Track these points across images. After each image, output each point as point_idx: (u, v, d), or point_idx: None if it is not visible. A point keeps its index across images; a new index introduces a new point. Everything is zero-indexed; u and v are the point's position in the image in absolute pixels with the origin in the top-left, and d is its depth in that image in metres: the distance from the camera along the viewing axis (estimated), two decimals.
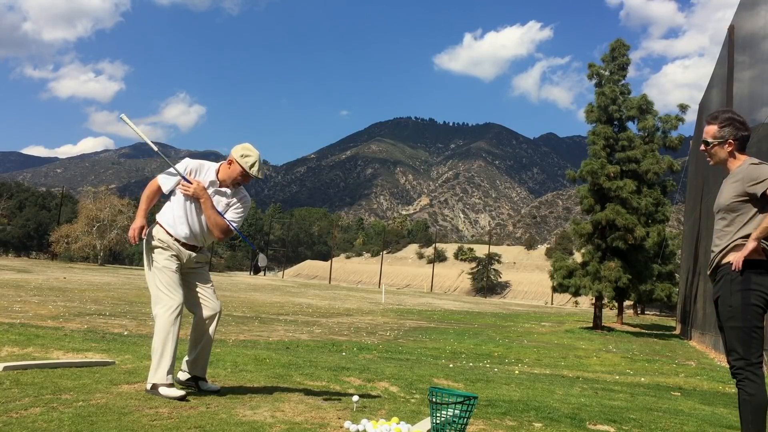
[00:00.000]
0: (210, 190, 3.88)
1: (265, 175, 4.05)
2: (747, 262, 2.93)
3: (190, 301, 3.89)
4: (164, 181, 3.85)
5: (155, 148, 4.04)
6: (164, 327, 3.68)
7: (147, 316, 11.64)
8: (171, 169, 3.86)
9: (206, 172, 3.90)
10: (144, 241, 3.84)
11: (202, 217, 3.87)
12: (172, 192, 3.88)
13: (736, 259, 2.96)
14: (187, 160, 3.96)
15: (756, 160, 3.08)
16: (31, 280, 19.84)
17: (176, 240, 3.84)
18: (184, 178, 3.82)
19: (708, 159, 3.25)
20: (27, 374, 3.93)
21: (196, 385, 3.91)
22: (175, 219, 3.85)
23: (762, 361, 2.98)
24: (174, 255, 3.82)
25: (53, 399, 3.30)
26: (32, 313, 10.11)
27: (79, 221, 44.97)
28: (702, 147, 3.24)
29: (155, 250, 3.80)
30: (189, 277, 3.91)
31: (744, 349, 2.93)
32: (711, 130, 3.16)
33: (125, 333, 8.26)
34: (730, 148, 3.12)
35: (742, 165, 3.09)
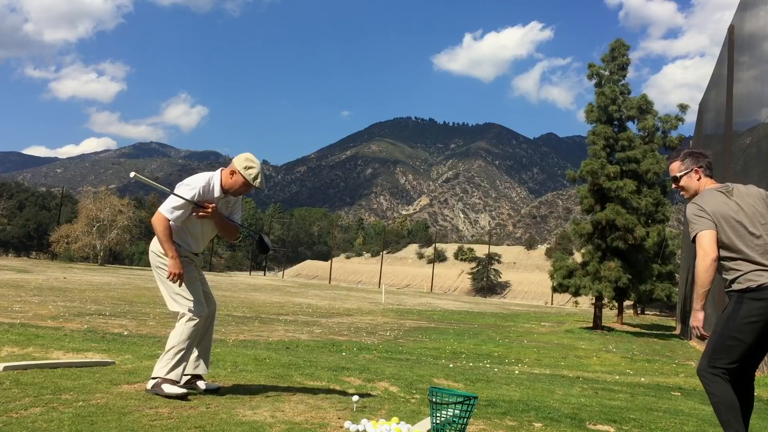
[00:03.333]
0: (220, 204, 3.94)
1: (264, 179, 4.06)
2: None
3: None
4: (172, 215, 3.78)
5: (180, 195, 3.83)
6: (193, 331, 3.78)
7: (147, 316, 11.64)
8: (177, 200, 3.78)
9: (212, 188, 3.89)
10: (154, 253, 3.87)
11: (210, 229, 3.99)
12: None
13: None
14: (193, 182, 3.84)
15: (710, 188, 3.16)
16: (31, 280, 19.84)
17: (191, 252, 3.96)
18: (197, 205, 3.83)
19: (683, 194, 3.34)
20: (27, 374, 3.93)
21: (195, 385, 3.92)
22: (189, 237, 3.92)
23: (726, 371, 2.99)
24: (193, 264, 3.94)
25: (53, 399, 3.30)
26: (32, 313, 10.11)
27: (79, 221, 44.95)
28: (674, 185, 3.35)
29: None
30: None
31: (713, 354, 3.00)
32: (675, 166, 3.30)
33: (125, 333, 8.26)
34: (697, 176, 3.24)
35: (751, 188, 3.17)
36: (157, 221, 3.76)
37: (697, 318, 3.03)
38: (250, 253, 78.19)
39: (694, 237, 3.04)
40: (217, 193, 3.89)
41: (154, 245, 3.87)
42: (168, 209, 3.77)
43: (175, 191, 3.82)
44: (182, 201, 3.77)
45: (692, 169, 3.23)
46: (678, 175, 3.27)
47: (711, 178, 3.25)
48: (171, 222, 3.78)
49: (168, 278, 3.76)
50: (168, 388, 3.60)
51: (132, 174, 3.97)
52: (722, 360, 2.98)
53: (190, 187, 3.81)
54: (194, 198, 3.79)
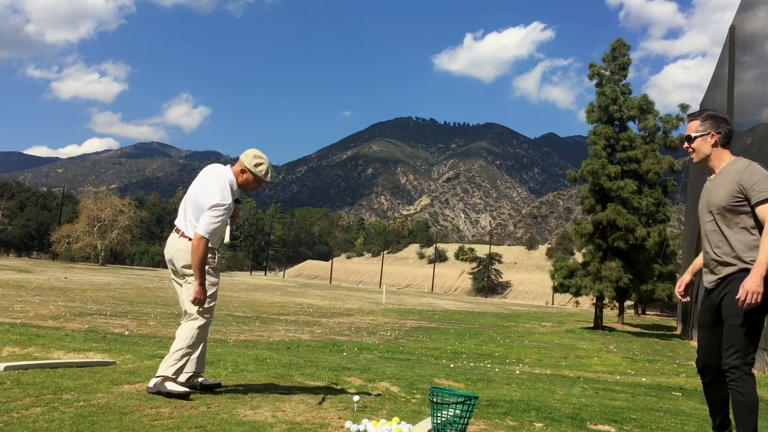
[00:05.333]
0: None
1: (274, 172, 4.10)
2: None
3: None
4: (214, 237, 3.75)
5: (221, 218, 3.80)
6: (201, 334, 3.80)
7: (148, 316, 11.65)
8: (215, 220, 3.74)
9: (234, 191, 3.88)
10: (181, 256, 3.83)
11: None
12: None
13: (750, 293, 2.82)
14: (223, 199, 3.76)
15: (747, 161, 3.05)
16: (32, 280, 19.86)
17: (216, 252, 3.98)
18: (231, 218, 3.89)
19: (692, 155, 3.22)
20: (28, 374, 3.93)
21: (195, 382, 3.93)
22: (219, 240, 3.94)
23: (753, 363, 2.97)
24: (216, 267, 3.93)
25: (54, 399, 3.30)
26: (33, 313, 10.11)
27: (80, 221, 45.02)
28: (685, 144, 3.22)
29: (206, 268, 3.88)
30: None
31: (743, 349, 2.90)
32: (693, 125, 3.17)
33: (126, 333, 8.27)
34: (713, 141, 3.10)
35: (735, 164, 3.05)
36: (200, 247, 3.68)
37: (760, 284, 2.81)
38: (251, 253, 78.24)
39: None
40: (236, 194, 3.91)
41: (185, 258, 3.79)
42: (210, 231, 3.71)
43: (211, 213, 3.73)
44: (221, 223, 3.75)
45: (709, 133, 3.10)
46: (693, 135, 3.14)
47: (727, 148, 3.11)
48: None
49: (192, 301, 3.75)
50: (171, 386, 3.61)
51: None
52: (752, 354, 2.92)
53: (224, 207, 3.75)
54: (230, 213, 3.83)
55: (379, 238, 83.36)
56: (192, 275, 3.78)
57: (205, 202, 3.77)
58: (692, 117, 3.22)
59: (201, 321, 3.79)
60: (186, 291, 3.85)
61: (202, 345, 3.96)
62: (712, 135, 3.10)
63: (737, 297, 2.88)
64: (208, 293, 3.82)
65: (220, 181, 3.84)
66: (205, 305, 3.81)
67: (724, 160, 3.10)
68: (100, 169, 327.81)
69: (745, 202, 2.95)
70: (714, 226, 3.07)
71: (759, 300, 2.82)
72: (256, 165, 3.87)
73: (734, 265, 2.98)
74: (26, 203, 67.69)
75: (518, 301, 53.00)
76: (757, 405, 2.92)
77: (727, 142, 3.11)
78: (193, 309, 3.80)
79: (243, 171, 3.89)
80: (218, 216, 3.73)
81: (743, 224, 2.97)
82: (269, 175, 3.93)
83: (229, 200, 3.78)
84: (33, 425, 2.80)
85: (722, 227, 3.03)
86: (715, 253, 3.05)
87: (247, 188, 3.95)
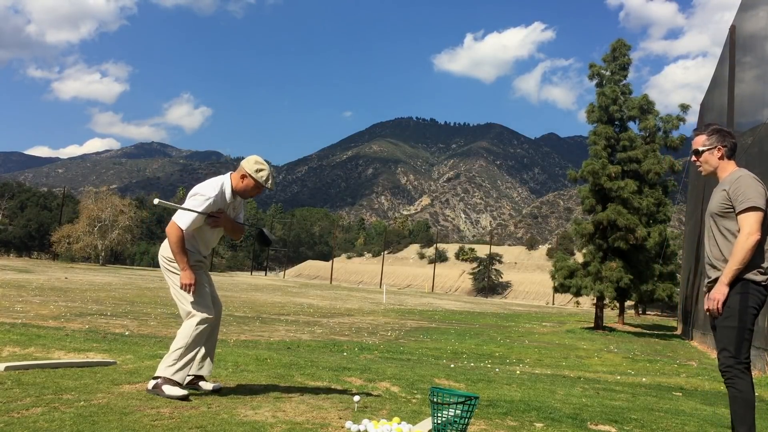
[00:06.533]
0: (229, 208, 3.96)
1: (274, 179, 4.09)
2: (746, 268, 3.05)
3: None
4: (186, 226, 3.77)
5: (194, 210, 3.80)
6: (199, 333, 3.78)
7: (148, 316, 11.65)
8: (190, 211, 3.76)
9: (225, 193, 3.88)
10: (164, 258, 3.88)
11: (218, 232, 4.02)
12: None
13: (711, 300, 3.08)
14: (206, 192, 3.81)
15: (745, 171, 3.19)
16: (33, 280, 19.86)
17: (200, 255, 3.98)
18: (210, 215, 3.84)
19: (699, 169, 3.40)
20: (28, 374, 3.93)
21: (197, 386, 3.92)
22: (200, 242, 3.94)
23: (750, 362, 3.07)
24: (202, 268, 3.95)
25: (55, 399, 3.31)
26: (34, 314, 10.12)
27: (80, 221, 45.00)
28: (693, 158, 3.38)
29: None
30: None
31: (736, 349, 3.02)
32: (699, 139, 3.33)
33: (126, 333, 8.27)
34: (719, 154, 3.26)
35: (732, 173, 3.20)
36: (171, 232, 3.75)
37: (723, 292, 3.05)
38: (251, 253, 78.17)
39: (748, 208, 3.03)
40: (228, 198, 3.90)
41: (164, 251, 3.87)
42: (182, 220, 3.76)
43: (189, 201, 3.80)
44: (196, 213, 3.77)
45: (716, 147, 3.25)
46: (700, 149, 3.29)
47: (732, 160, 3.27)
48: (184, 231, 3.78)
49: (180, 288, 3.77)
50: (169, 390, 3.60)
51: (156, 201, 3.99)
52: (745, 353, 3.03)
53: (204, 197, 3.79)
54: (208, 209, 3.80)
55: (380, 238, 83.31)
56: (167, 269, 3.85)
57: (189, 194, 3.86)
58: (698, 132, 3.38)
59: (196, 318, 3.76)
60: (171, 289, 3.87)
61: (205, 349, 3.95)
62: (719, 149, 3.26)
63: (705, 307, 3.12)
64: (198, 291, 3.80)
65: (212, 180, 3.92)
66: (194, 299, 3.78)
67: (728, 171, 3.26)
68: (100, 169, 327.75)
69: (732, 210, 3.12)
70: (710, 230, 3.26)
71: (719, 307, 3.05)
72: (257, 171, 3.88)
73: (721, 269, 3.15)
74: (27, 203, 67.62)
75: (518, 301, 52.99)
76: (754, 402, 3.03)
77: (732, 154, 3.28)
78: (186, 306, 3.80)
79: (243, 176, 3.90)
80: (194, 205, 3.76)
81: (732, 230, 3.13)
82: (270, 181, 3.94)
83: (212, 194, 3.79)
84: (33, 425, 2.80)
85: (715, 232, 3.22)
86: (709, 257, 3.24)
87: (247, 194, 3.96)
